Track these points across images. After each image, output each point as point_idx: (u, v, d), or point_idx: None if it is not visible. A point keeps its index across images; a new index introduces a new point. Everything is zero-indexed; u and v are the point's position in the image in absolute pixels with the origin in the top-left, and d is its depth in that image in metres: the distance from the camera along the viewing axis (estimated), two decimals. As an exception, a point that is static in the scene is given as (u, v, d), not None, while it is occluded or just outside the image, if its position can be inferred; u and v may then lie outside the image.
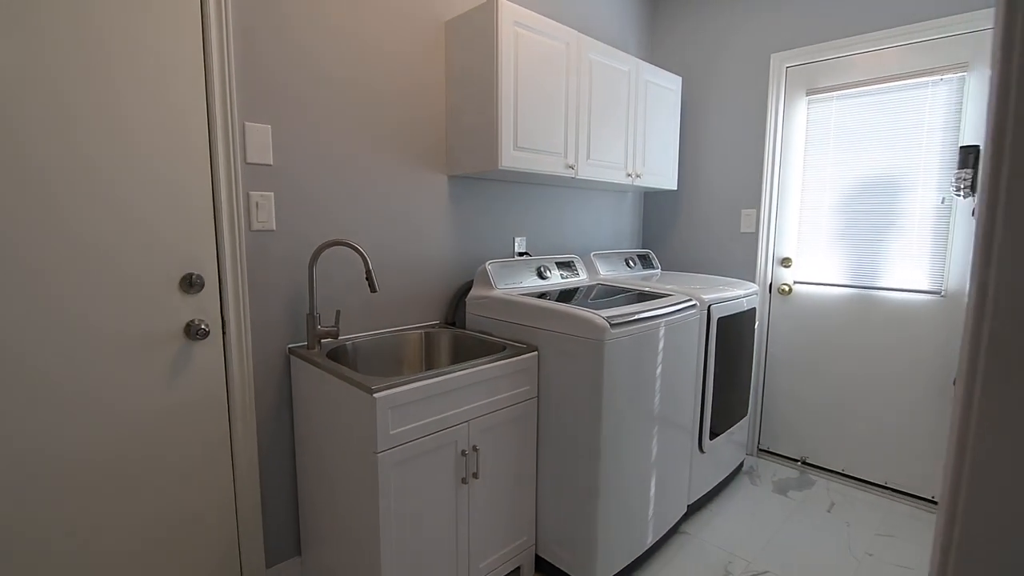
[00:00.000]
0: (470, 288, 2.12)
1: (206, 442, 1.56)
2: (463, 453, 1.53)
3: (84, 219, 1.31)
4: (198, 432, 1.54)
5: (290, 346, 1.71)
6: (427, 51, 1.97)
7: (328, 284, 1.78)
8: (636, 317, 1.71)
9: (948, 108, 2.13)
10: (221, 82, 1.49)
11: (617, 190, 2.90)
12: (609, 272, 2.56)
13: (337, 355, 1.72)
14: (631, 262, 2.73)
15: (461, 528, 1.57)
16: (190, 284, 1.49)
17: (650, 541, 1.93)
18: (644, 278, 2.55)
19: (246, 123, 1.55)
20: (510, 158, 1.90)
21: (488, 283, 2.01)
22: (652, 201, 3.17)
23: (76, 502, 1.35)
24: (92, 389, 1.35)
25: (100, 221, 1.33)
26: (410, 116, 1.95)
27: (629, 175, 2.48)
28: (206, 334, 1.51)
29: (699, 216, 2.95)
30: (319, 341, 1.69)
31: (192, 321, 1.50)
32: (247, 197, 1.58)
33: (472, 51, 1.91)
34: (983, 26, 2.03)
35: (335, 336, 1.69)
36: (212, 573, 1.61)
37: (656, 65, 3.04)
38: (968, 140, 2.08)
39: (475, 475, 1.58)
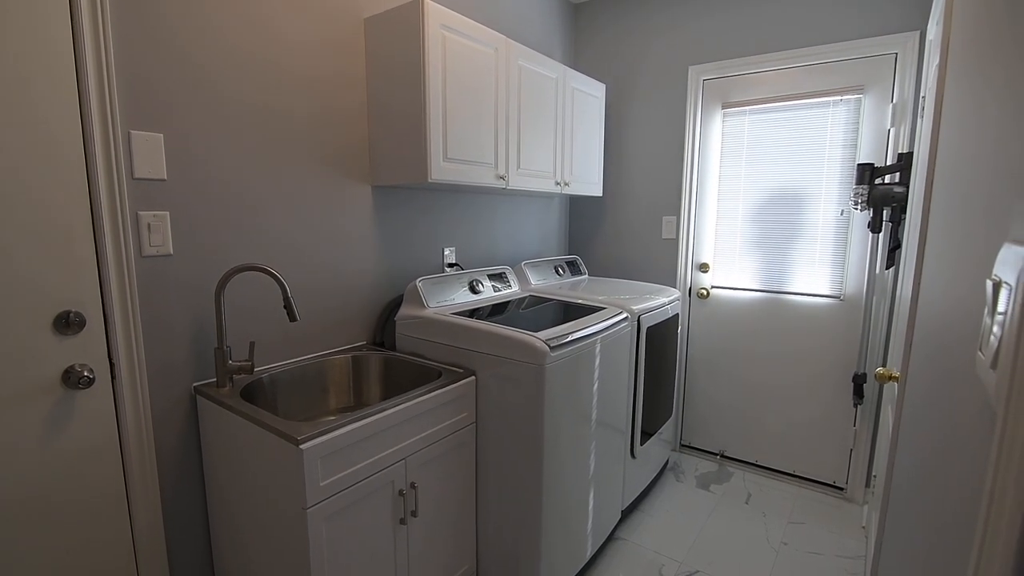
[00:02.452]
0: (399, 304, 2.01)
1: (97, 507, 1.34)
2: (400, 493, 1.44)
3: (-85, 255, 1.05)
4: (87, 495, 1.32)
5: (196, 384, 1.51)
6: (347, 52, 1.81)
7: (240, 312, 1.59)
8: (574, 337, 1.69)
9: (847, 127, 2.30)
10: (98, 83, 1.26)
11: (545, 196, 2.87)
12: (540, 282, 2.53)
13: (253, 392, 1.54)
14: (560, 269, 2.73)
15: (400, 569, 1.48)
16: (67, 324, 1.26)
17: (589, 553, 1.94)
18: (573, 286, 2.56)
19: (132, 132, 1.33)
20: (440, 170, 1.80)
21: (419, 302, 1.90)
22: (578, 206, 3.18)
23: (-79, 600, 1.10)
24: (-63, 462, 1.10)
25: (-61, 256, 1.08)
26: (331, 124, 1.78)
27: (558, 184, 2.46)
28: (90, 381, 1.28)
29: (623, 222, 3.01)
30: (231, 377, 1.51)
31: (72, 367, 1.27)
32: (136, 218, 1.35)
33: (396, 56, 1.78)
34: (878, 52, 2.21)
35: (249, 370, 1.51)
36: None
37: (580, 72, 3.04)
38: (863, 158, 2.27)
39: (413, 513, 1.49)
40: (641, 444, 2.27)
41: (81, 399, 1.30)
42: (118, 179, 1.31)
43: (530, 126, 2.23)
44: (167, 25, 1.37)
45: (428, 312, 1.87)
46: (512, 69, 2.08)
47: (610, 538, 2.17)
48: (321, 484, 1.22)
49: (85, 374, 1.28)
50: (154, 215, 1.38)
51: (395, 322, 1.93)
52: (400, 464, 1.43)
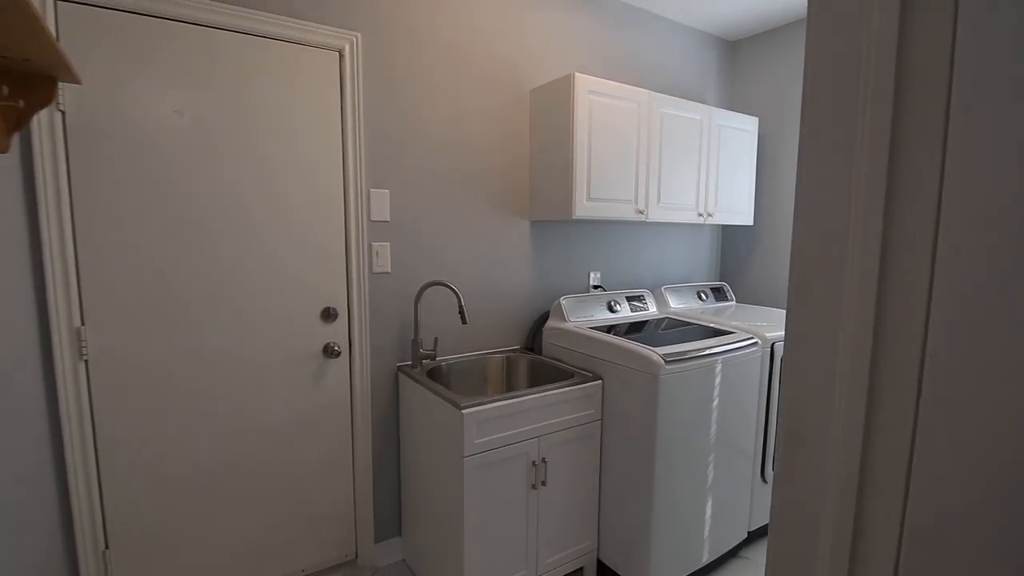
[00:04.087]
0: (547, 318, 2.42)
1: (335, 437, 2.00)
2: (533, 463, 1.83)
3: (248, 268, 1.80)
4: (329, 429, 1.99)
5: (398, 364, 2.11)
6: (515, 117, 2.32)
7: (430, 314, 2.17)
8: (692, 354, 1.91)
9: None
10: (354, 160, 1.93)
11: (691, 226, 3.05)
12: (679, 305, 2.73)
13: (435, 374, 2.09)
14: (703, 295, 2.88)
15: (531, 526, 1.86)
16: (327, 315, 1.94)
17: (706, 559, 2.09)
18: (715, 312, 2.69)
19: (371, 190, 1.98)
20: (583, 208, 2.18)
21: (562, 316, 2.30)
22: (730, 235, 3.27)
23: (244, 469, 1.83)
24: (260, 391, 1.83)
25: (259, 270, 1.82)
26: (499, 173, 2.30)
27: (701, 215, 2.65)
28: (337, 354, 1.95)
29: (775, 250, 3.02)
30: (421, 361, 2.08)
31: (328, 344, 1.95)
32: (370, 247, 2.00)
33: (551, 118, 2.22)
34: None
35: (433, 358, 2.07)
36: (335, 542, 2.05)
37: (735, 107, 3.17)
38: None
39: (543, 483, 1.87)
40: (774, 469, 2.31)
41: (331, 365, 1.97)
42: (361, 222, 1.96)
43: (671, 164, 2.48)
44: (392, 121, 2.01)
45: (568, 325, 2.25)
46: (654, 117, 2.38)
47: (733, 554, 2.26)
48: (475, 441, 1.68)
49: (336, 348, 1.94)
50: (380, 245, 2.02)
51: (542, 332, 2.35)
52: (534, 440, 1.82)
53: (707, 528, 2.07)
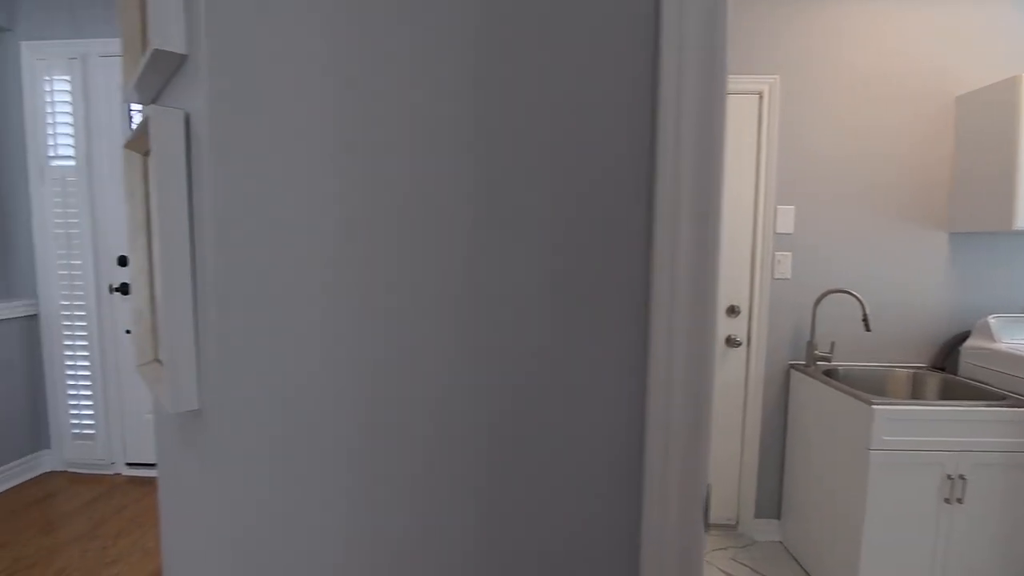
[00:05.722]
0: (964, 338, 2.24)
1: (728, 414, 2.39)
2: (948, 477, 1.80)
3: (685, 270, 2.33)
4: (724, 407, 2.38)
5: (790, 363, 2.35)
6: (932, 125, 2.25)
7: (824, 321, 2.33)
8: None
9: None
10: (764, 182, 2.28)
11: None
12: None
13: (830, 375, 2.24)
14: None
15: (939, 543, 1.83)
16: (732, 311, 2.34)
17: None
18: None
19: (777, 207, 2.30)
20: (1030, 218, 1.97)
21: (989, 336, 2.10)
22: None
23: (662, 428, 2.39)
24: (676, 366, 2.36)
25: (691, 271, 2.33)
26: (909, 184, 2.28)
27: None
28: (739, 344, 2.33)
29: None
30: (815, 362, 2.26)
31: (730, 335, 2.35)
32: (773, 256, 2.32)
33: (986, 123, 2.08)
34: None
35: (828, 361, 2.23)
36: (720, 506, 2.42)
37: None
38: None
39: (959, 500, 1.81)
40: None
41: (731, 353, 2.36)
42: (767, 234, 2.30)
43: None
44: (800, 144, 2.27)
45: (999, 346, 2.05)
46: None
47: None
48: (883, 438, 1.79)
49: (736, 339, 2.32)
50: (783, 254, 2.31)
51: (959, 351, 2.20)
52: (951, 454, 1.79)
53: None
